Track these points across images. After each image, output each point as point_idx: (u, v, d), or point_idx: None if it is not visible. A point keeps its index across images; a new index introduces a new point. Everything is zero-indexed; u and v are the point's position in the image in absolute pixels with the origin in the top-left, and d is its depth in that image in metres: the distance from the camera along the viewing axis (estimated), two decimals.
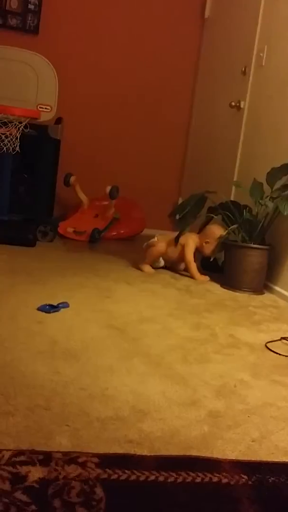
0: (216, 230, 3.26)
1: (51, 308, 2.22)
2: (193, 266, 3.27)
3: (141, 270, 3.27)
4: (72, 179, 4.27)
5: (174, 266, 3.42)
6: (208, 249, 3.30)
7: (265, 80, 3.52)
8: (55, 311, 2.22)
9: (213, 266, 3.39)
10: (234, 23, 4.07)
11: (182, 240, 3.28)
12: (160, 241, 3.33)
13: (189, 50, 4.72)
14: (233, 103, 3.81)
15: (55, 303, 2.27)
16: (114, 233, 4.36)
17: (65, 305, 2.30)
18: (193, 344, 2.05)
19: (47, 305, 2.23)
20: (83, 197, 4.37)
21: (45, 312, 2.19)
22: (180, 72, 4.74)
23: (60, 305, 2.27)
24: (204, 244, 3.30)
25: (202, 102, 4.65)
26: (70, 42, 4.44)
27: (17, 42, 4.07)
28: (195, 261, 3.30)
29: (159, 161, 4.83)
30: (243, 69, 3.79)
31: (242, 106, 3.76)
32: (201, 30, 4.70)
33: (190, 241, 3.30)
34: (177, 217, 3.33)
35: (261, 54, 3.57)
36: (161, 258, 3.39)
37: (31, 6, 4.26)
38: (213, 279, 3.27)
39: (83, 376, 1.63)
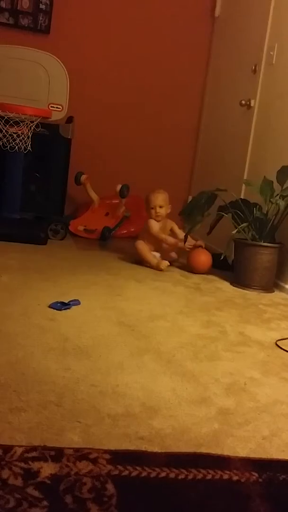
0: (147, 195, 3.46)
1: (62, 306, 2.24)
2: (166, 238, 3.42)
3: (159, 269, 3.25)
4: (83, 177, 4.29)
5: (166, 257, 3.45)
6: (149, 213, 3.47)
7: (276, 78, 3.51)
8: (66, 309, 2.23)
9: (223, 264, 3.39)
10: (245, 21, 4.06)
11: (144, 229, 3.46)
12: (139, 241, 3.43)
13: (199, 48, 4.71)
14: (243, 102, 3.80)
15: (66, 301, 2.29)
16: (124, 231, 4.37)
17: (76, 302, 2.31)
18: (203, 342, 2.06)
19: (58, 303, 2.25)
20: (93, 195, 4.38)
21: (57, 309, 2.21)
22: (190, 71, 4.74)
23: (71, 303, 2.29)
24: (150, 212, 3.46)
25: (212, 100, 4.64)
26: (81, 41, 4.45)
27: (28, 42, 4.08)
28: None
29: (170, 159, 4.83)
30: (254, 67, 3.78)
31: (252, 104, 3.75)
32: (211, 28, 4.69)
33: (148, 220, 3.46)
34: (186, 214, 3.33)
35: (272, 53, 3.56)
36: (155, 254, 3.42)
37: (42, 6, 4.27)
38: (223, 277, 3.27)
39: (94, 373, 1.65)
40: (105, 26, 4.49)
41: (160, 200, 3.44)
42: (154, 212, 3.44)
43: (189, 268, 3.36)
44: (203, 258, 3.35)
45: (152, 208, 3.44)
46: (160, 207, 3.44)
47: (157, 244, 3.44)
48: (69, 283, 2.68)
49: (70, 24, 4.40)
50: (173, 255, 3.50)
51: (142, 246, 3.36)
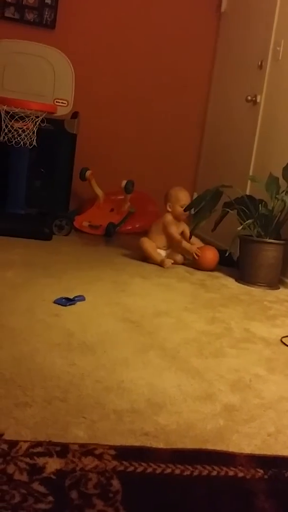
0: (174, 192, 3.42)
1: (67, 301, 2.24)
2: (182, 241, 3.37)
3: (163, 266, 3.24)
4: (88, 173, 4.28)
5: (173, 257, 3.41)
6: (176, 210, 3.41)
7: (282, 74, 3.50)
8: (71, 304, 2.23)
9: (228, 261, 3.39)
10: (251, 17, 4.04)
11: (159, 224, 3.42)
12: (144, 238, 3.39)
13: (205, 44, 4.69)
14: (249, 97, 3.79)
15: (71, 296, 2.29)
16: (129, 227, 4.37)
17: (81, 298, 2.31)
18: (208, 338, 2.06)
19: (63, 298, 2.25)
20: (98, 191, 4.38)
21: (62, 305, 2.21)
22: (196, 66, 4.72)
23: (76, 298, 2.29)
24: (168, 208, 3.42)
25: (218, 96, 4.63)
26: (86, 36, 4.44)
27: (34, 37, 4.07)
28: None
29: (175, 155, 4.82)
30: (260, 63, 3.76)
31: (258, 100, 3.74)
32: (217, 24, 4.67)
33: (166, 217, 3.41)
34: (192, 211, 3.32)
35: (278, 48, 3.55)
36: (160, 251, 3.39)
37: (48, 1, 4.26)
38: (228, 273, 3.26)
39: (99, 369, 1.65)
40: (110, 21, 4.48)
41: (179, 197, 3.42)
42: (181, 211, 3.40)
43: (196, 265, 3.34)
44: (210, 255, 3.34)
45: (182, 206, 3.39)
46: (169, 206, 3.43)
47: (165, 241, 3.41)
48: (73, 279, 2.68)
49: (76, 19, 4.39)
50: (179, 259, 3.44)
51: (148, 244, 3.34)
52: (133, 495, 1.10)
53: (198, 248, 3.37)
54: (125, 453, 1.22)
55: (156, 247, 3.37)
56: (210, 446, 1.29)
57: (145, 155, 4.74)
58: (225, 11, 4.59)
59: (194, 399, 1.52)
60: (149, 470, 1.18)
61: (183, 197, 3.41)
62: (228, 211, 3.21)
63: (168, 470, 1.18)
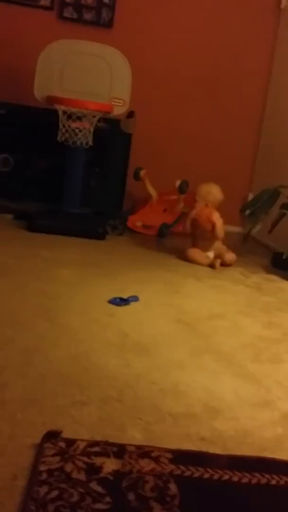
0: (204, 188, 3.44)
1: (121, 302, 2.24)
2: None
3: (213, 267, 3.20)
4: (142, 173, 4.28)
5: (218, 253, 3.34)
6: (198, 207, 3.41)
7: None
8: (125, 305, 2.23)
9: (285, 264, 3.31)
10: None
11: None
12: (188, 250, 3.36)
13: (264, 41, 4.61)
14: None
15: (125, 297, 2.29)
16: (182, 228, 4.34)
17: (135, 298, 2.31)
18: (265, 343, 2.01)
19: (117, 298, 2.25)
20: (152, 191, 4.37)
21: (116, 305, 2.21)
22: (254, 64, 4.64)
23: (130, 299, 2.28)
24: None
25: (276, 95, 4.54)
26: (143, 35, 4.44)
27: (91, 36, 4.10)
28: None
29: (230, 155, 4.76)
30: None
31: None
32: (277, 21, 4.58)
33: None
34: (247, 212, 3.27)
35: None
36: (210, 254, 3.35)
37: (106, 0, 4.29)
38: (285, 277, 3.19)
39: (153, 370, 1.64)
40: (167, 20, 4.46)
41: (198, 193, 3.44)
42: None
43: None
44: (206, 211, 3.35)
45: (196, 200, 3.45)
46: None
47: (208, 242, 3.36)
48: (127, 279, 2.68)
49: (133, 18, 4.39)
50: (228, 259, 3.31)
51: (191, 254, 3.30)
52: (191, 500, 1.08)
53: (197, 210, 3.39)
54: (182, 457, 1.21)
55: (201, 252, 3.32)
56: (268, 454, 1.26)
57: (200, 155, 4.70)
58: (285, 8, 4.49)
59: (251, 405, 1.49)
60: (207, 475, 1.16)
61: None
62: (285, 213, 3.14)
63: (226, 477, 1.16)
